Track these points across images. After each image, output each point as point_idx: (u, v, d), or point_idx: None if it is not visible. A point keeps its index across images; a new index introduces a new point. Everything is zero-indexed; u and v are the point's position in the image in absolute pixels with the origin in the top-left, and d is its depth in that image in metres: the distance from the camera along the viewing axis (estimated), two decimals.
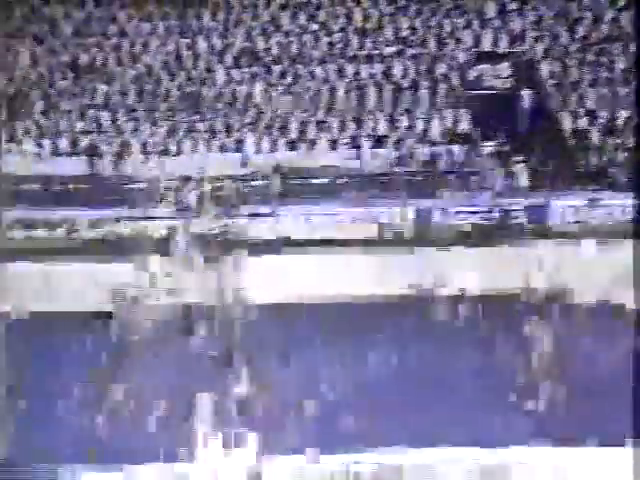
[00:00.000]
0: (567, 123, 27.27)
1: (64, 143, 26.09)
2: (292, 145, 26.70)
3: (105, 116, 26.68)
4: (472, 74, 28.75)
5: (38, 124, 26.30)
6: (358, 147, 26.77)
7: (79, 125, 26.38)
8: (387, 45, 28.86)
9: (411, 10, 29.56)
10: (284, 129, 26.91)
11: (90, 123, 26.50)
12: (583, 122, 27.24)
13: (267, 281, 20.60)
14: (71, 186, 25.24)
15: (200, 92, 27.37)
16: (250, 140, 26.59)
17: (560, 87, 27.98)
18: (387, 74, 28.27)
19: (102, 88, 27.18)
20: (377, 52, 28.68)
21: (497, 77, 28.75)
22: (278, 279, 20.97)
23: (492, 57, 29.05)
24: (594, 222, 22.60)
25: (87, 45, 27.90)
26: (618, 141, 26.89)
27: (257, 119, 26.99)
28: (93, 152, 25.81)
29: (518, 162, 26.34)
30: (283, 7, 29.18)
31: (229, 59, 28.10)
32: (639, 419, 12.21)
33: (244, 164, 26.15)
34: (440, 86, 28.16)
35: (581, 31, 28.56)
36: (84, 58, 27.74)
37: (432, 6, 29.67)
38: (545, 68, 28.29)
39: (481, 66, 28.80)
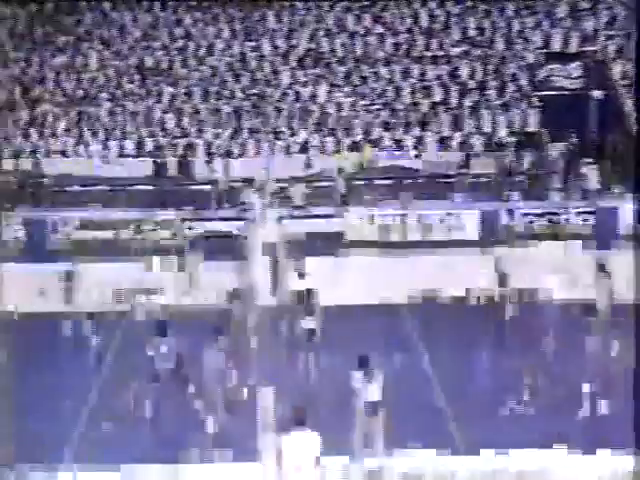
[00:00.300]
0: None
1: (130, 145, 26.28)
2: (355, 146, 26.49)
3: (170, 118, 26.80)
4: (541, 74, 28.22)
5: (105, 127, 26.54)
6: (423, 149, 26.46)
7: (145, 127, 26.53)
8: (454, 46, 28.51)
9: (479, 10, 29.16)
10: (348, 130, 26.71)
11: (156, 125, 26.65)
12: None
13: (334, 282, 20.36)
14: (136, 187, 25.39)
15: (264, 93, 27.34)
16: (314, 141, 26.45)
17: (632, 87, 27.28)
18: (453, 75, 27.91)
19: (168, 90, 27.33)
20: (443, 53, 28.35)
21: (567, 77, 28.15)
22: (343, 280, 20.75)
23: (562, 57, 28.48)
24: None
25: (154, 48, 28.14)
26: None
27: (321, 120, 26.84)
28: (158, 154, 25.93)
29: (588, 164, 25.69)
30: (348, 9, 29.04)
31: (293, 61, 28.05)
32: None
33: (308, 165, 26.01)
34: (508, 87, 27.70)
35: None
36: (150, 61, 27.97)
37: (500, 6, 29.24)
38: (617, 68, 27.60)
39: (551, 66, 28.24)
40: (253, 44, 28.21)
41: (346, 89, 27.43)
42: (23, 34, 28.25)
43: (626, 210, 24.35)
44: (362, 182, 25.54)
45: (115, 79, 27.55)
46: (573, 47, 28.68)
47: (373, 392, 12.86)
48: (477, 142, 26.62)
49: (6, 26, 28.31)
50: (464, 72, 28.02)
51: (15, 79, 27.33)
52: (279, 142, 26.39)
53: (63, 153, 26.08)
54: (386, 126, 26.73)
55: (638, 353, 13.54)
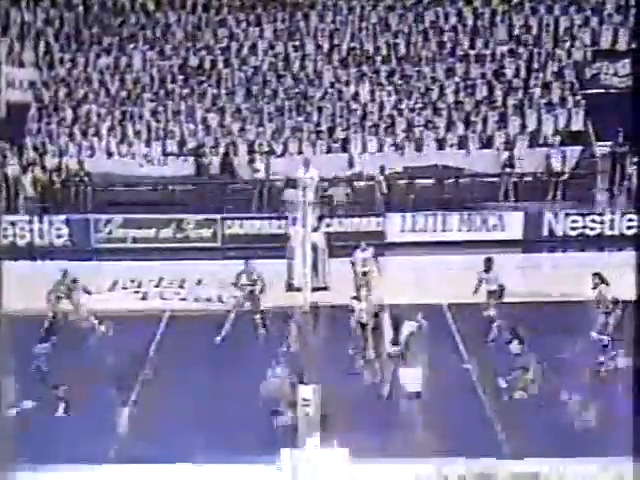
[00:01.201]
0: None
1: (173, 145, 26.35)
2: (398, 145, 26.27)
3: (213, 117, 26.84)
4: (589, 72, 27.75)
5: (148, 126, 26.65)
6: (466, 148, 26.16)
7: (187, 127, 26.58)
8: (499, 44, 28.15)
9: (525, 8, 28.77)
10: (390, 129, 26.50)
11: (198, 124, 26.69)
12: None
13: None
14: (178, 187, 25.47)
15: (307, 93, 27.25)
16: (356, 141, 26.29)
17: None
18: (498, 73, 27.55)
19: (211, 90, 27.37)
20: (489, 51, 28.01)
21: (615, 75, 27.64)
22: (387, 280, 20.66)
23: (610, 55, 27.97)
24: None
25: (197, 48, 28.22)
26: None
27: (363, 119, 26.67)
28: (200, 153, 25.95)
29: (635, 164, 25.20)
30: (391, 8, 28.83)
31: (336, 60, 27.91)
32: None
33: (350, 165, 25.87)
34: (553, 85, 27.27)
35: None
36: (194, 61, 28.05)
37: (548, 3, 28.82)
38: None
39: (598, 64, 27.75)
40: (296, 44, 28.17)
41: (389, 88, 27.24)
42: (69, 35, 28.55)
43: None
44: (404, 181, 25.37)
45: (158, 79, 27.68)
46: (622, 44, 28.16)
47: None
48: (521, 141, 26.25)
49: (53, 28, 28.64)
50: (509, 70, 27.67)
51: (60, 80, 27.63)
52: (320, 141, 26.27)
53: (107, 152, 26.22)
54: (428, 125, 26.46)
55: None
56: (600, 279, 17.51)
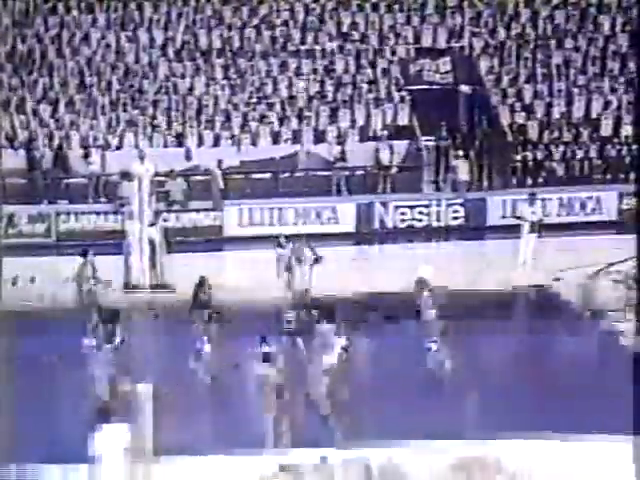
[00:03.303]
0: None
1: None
2: (235, 140, 26.46)
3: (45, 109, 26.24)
4: (412, 69, 28.78)
5: None
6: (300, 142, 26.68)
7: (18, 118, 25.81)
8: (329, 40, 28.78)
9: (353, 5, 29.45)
10: (226, 123, 26.63)
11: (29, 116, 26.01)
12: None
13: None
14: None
15: (141, 85, 26.97)
16: (192, 135, 26.25)
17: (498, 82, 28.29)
18: (328, 69, 28.18)
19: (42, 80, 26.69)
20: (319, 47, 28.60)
21: (437, 72, 28.76)
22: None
23: (431, 52, 29.07)
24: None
25: (26, 36, 27.27)
26: (555, 135, 27.31)
27: (198, 113, 26.50)
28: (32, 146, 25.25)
29: (458, 157, 26.51)
30: (225, 1, 28.85)
31: (171, 52, 27.74)
32: None
33: (187, 159, 25.86)
34: (380, 81, 28.10)
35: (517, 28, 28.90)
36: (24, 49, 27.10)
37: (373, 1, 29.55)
38: (483, 63, 28.52)
39: (421, 61, 28.77)
40: (129, 34, 27.83)
41: (223, 82, 27.42)
42: None
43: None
44: (241, 176, 25.74)
45: None
46: (441, 43, 29.36)
47: None
48: (352, 135, 27.06)
49: None
50: (339, 66, 28.34)
51: None
52: (156, 135, 26.20)
53: None
54: (263, 119, 26.86)
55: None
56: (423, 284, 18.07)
